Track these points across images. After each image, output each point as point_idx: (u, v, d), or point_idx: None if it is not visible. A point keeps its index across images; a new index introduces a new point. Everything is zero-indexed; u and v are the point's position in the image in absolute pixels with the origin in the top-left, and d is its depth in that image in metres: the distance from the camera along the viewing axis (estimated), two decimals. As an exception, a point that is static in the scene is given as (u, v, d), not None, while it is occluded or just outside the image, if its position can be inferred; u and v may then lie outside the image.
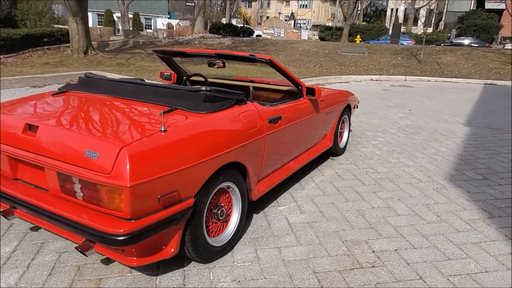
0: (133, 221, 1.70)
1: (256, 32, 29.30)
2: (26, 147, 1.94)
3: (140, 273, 2.10)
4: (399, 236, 2.60)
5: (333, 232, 2.62)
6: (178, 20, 40.38)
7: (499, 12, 29.96)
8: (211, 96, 2.24)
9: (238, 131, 2.26)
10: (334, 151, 4.08)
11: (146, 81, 2.73)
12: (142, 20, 38.15)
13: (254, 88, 3.68)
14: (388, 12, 37.39)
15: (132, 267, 2.14)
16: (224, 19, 33.84)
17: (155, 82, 3.25)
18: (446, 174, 3.82)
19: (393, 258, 2.34)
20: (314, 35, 38.53)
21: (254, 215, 2.80)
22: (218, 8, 46.47)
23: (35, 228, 2.51)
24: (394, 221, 2.82)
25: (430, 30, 30.01)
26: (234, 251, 2.34)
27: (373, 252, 2.40)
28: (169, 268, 2.15)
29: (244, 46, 17.68)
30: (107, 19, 31.15)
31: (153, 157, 1.74)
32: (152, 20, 41.40)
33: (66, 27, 19.92)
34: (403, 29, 26.85)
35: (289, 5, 58.66)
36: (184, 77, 3.80)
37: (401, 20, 32.91)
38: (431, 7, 24.58)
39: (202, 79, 3.61)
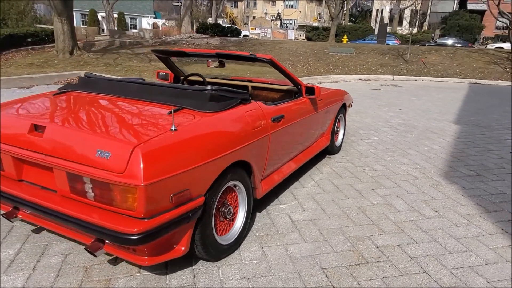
0: (146, 220, 1.70)
1: (243, 32, 29.28)
2: (32, 147, 1.91)
3: (149, 273, 2.09)
4: (401, 232, 2.65)
5: (337, 229, 2.66)
6: (163, 20, 40.05)
7: (481, 13, 30.70)
8: (216, 95, 2.25)
9: (244, 129, 2.28)
10: (331, 149, 4.13)
11: (146, 80, 2.72)
12: (127, 20, 37.72)
13: (253, 87, 3.70)
14: (374, 13, 37.88)
15: (141, 267, 2.13)
16: (210, 19, 33.74)
17: (158, 81, 3.23)
18: (440, 171, 3.91)
19: (397, 253, 2.39)
20: (300, 35, 38.72)
21: (257, 214, 2.82)
22: (204, 8, 46.29)
23: (37, 230, 2.47)
24: (395, 217, 2.87)
25: (415, 30, 30.51)
26: (241, 249, 2.35)
27: (377, 247, 2.45)
28: (178, 267, 2.15)
29: (232, 46, 17.67)
30: (91, 19, 30.71)
31: (165, 156, 1.74)
32: (138, 20, 40.98)
33: (49, 26, 19.56)
34: (388, 29, 27.24)
35: (275, 5, 58.85)
36: (182, 77, 3.79)
37: (386, 20, 33.40)
38: (417, 8, 25.02)
39: (200, 79, 3.61)
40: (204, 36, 20.54)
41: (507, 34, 18.69)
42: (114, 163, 1.67)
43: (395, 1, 30.56)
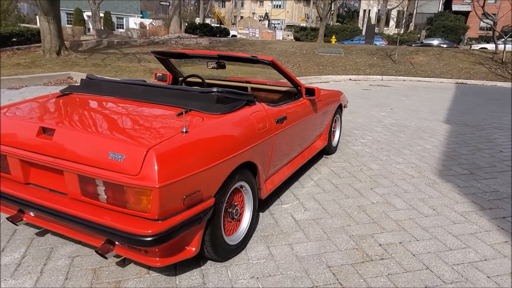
0: (160, 221, 1.71)
1: (231, 32, 29.26)
2: (41, 150, 1.90)
3: (159, 274, 2.10)
4: (402, 230, 2.72)
5: (339, 228, 2.71)
6: (151, 20, 39.75)
7: (466, 14, 31.34)
8: (223, 97, 2.27)
9: (251, 131, 2.31)
10: (328, 149, 4.19)
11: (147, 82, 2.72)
12: (114, 19, 37.33)
13: (252, 89, 3.73)
14: (361, 13, 38.28)
15: (150, 268, 2.14)
16: (198, 18, 33.60)
17: (162, 83, 3.23)
18: (435, 170, 4.00)
19: (399, 250, 2.45)
20: (288, 36, 38.89)
21: (261, 214, 2.85)
22: (191, 8, 46.09)
23: (41, 233, 2.46)
24: (394, 215, 2.94)
25: (401, 31, 30.95)
26: (247, 249, 2.38)
27: (380, 245, 2.50)
28: (187, 268, 2.16)
29: (221, 46, 17.65)
30: (76, 18, 30.31)
31: (178, 158, 1.75)
32: (124, 19, 40.58)
33: (33, 26, 19.19)
34: (375, 30, 27.56)
35: (263, 5, 58.95)
36: (180, 78, 3.80)
37: (373, 21, 33.79)
38: (404, 9, 25.42)
39: (199, 80, 3.62)
40: (193, 36, 20.45)
41: (491, 35, 19.12)
42: (128, 165, 1.68)
43: (382, 2, 30.94)
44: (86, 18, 31.16)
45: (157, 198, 1.66)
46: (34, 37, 13.73)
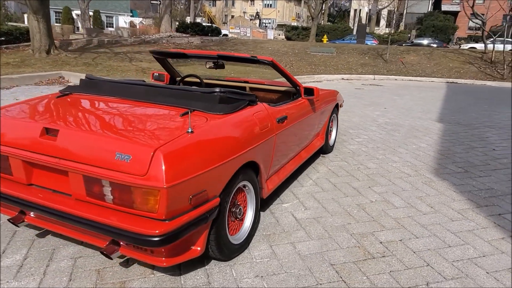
0: (167, 221, 1.72)
1: (223, 32, 29.19)
2: (45, 151, 1.89)
3: (163, 274, 2.10)
4: (401, 227, 2.75)
5: (340, 226, 2.73)
6: (141, 18, 39.41)
7: (455, 14, 31.75)
8: (225, 98, 2.28)
9: (254, 131, 2.32)
10: (325, 148, 4.22)
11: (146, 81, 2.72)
12: (103, 18, 36.98)
13: (250, 88, 3.74)
14: (352, 13, 38.51)
15: (154, 268, 2.14)
16: (188, 17, 33.46)
17: (163, 84, 3.21)
18: (430, 168, 4.06)
19: (400, 248, 2.48)
20: (279, 35, 38.93)
21: (262, 213, 2.86)
22: (182, 7, 45.84)
23: (42, 235, 2.43)
24: (393, 213, 2.98)
25: (392, 30, 31.23)
26: (250, 248, 2.39)
27: (381, 243, 2.53)
28: (191, 267, 2.17)
29: (213, 46, 17.61)
30: (65, 17, 29.91)
31: (185, 158, 1.76)
32: (114, 18, 40.16)
33: (20, 24, 18.89)
34: (366, 29, 27.74)
35: (253, 4, 58.92)
36: (178, 78, 3.79)
37: (364, 20, 34.04)
38: (395, 9, 25.67)
39: (197, 80, 3.61)
40: (184, 35, 20.36)
41: (480, 34, 19.40)
42: (135, 165, 1.67)
43: (372, 2, 31.17)
44: (75, 16, 30.80)
45: (164, 198, 1.66)
46: (23, 36, 13.53)
